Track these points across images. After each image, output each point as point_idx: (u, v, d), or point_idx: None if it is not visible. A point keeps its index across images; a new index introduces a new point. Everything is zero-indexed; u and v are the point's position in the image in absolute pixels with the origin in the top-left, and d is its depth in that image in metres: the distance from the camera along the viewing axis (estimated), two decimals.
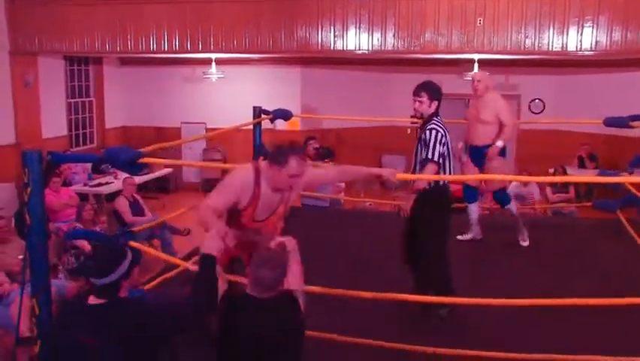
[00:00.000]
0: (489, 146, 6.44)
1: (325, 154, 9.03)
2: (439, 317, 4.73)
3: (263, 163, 3.69)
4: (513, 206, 6.87)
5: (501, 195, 6.83)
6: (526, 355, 3.92)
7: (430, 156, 4.66)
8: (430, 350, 4.04)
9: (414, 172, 4.95)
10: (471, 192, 6.86)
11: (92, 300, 2.87)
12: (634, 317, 4.44)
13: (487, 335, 4.38)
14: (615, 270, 5.73)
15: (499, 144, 6.42)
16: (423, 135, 4.75)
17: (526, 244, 6.76)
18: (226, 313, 3.03)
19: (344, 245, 6.52)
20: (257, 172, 3.65)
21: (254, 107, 7.39)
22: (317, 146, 9.24)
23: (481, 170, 6.56)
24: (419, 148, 4.83)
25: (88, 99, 13.16)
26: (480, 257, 6.37)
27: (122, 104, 13.94)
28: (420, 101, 4.77)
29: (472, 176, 6.62)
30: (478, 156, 6.56)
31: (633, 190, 7.04)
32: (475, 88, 6.52)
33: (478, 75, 6.68)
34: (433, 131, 4.69)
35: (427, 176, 4.67)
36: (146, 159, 3.89)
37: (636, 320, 4.48)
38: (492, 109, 6.42)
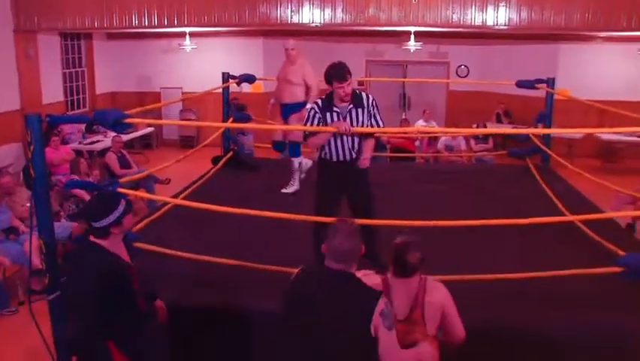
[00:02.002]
0: (296, 104, 6.23)
1: (239, 108, 9.02)
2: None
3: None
4: (297, 161, 6.41)
5: (293, 147, 6.39)
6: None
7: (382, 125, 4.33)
8: None
9: (358, 143, 4.24)
10: (282, 146, 6.75)
11: (92, 238, 2.91)
12: (534, 237, 4.64)
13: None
14: (521, 202, 5.90)
15: (309, 106, 6.27)
16: (370, 111, 4.21)
17: (286, 190, 6.35)
18: (298, 284, 2.73)
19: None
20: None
21: (223, 73, 7.40)
22: (236, 102, 9.27)
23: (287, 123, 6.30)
24: (362, 119, 4.19)
25: (80, 69, 12.91)
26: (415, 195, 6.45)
27: (110, 73, 13.69)
28: (349, 84, 4.09)
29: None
30: (288, 111, 6.29)
31: (537, 141, 7.28)
32: (289, 54, 6.23)
33: (292, 43, 6.26)
34: (375, 101, 4.27)
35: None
36: (130, 119, 3.90)
37: (533, 239, 4.67)
38: (301, 73, 6.24)
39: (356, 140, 4.24)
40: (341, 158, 4.25)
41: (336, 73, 4.10)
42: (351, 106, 4.18)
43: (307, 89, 6.27)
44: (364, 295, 2.63)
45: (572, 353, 3.44)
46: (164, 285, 3.73)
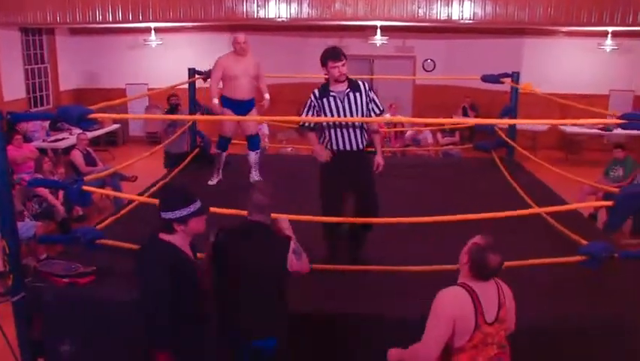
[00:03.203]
0: (252, 99, 6.24)
1: (174, 106, 8.89)
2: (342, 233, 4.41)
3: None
4: (254, 155, 6.42)
5: (253, 140, 6.42)
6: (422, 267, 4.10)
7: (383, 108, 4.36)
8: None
9: (355, 130, 4.18)
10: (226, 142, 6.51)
11: (160, 235, 2.83)
12: (499, 228, 4.69)
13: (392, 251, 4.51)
14: (487, 194, 5.96)
15: (268, 96, 6.32)
16: (369, 95, 4.21)
17: (212, 182, 6.42)
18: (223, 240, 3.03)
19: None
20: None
21: (189, 69, 7.34)
22: (173, 101, 9.02)
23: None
24: (359, 104, 4.18)
25: (43, 65, 12.64)
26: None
27: (74, 70, 13.44)
28: (344, 64, 4.10)
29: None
30: (245, 108, 6.19)
31: (502, 134, 7.38)
32: (243, 48, 6.07)
33: (243, 37, 6.10)
34: (372, 88, 4.29)
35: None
36: (94, 115, 3.84)
37: (498, 230, 4.72)
38: (254, 66, 6.15)
39: (357, 131, 4.19)
40: (341, 148, 4.21)
41: (331, 53, 4.12)
42: (349, 90, 4.16)
43: (259, 81, 6.27)
44: (279, 241, 3.08)
45: (534, 341, 3.49)
46: (132, 282, 3.69)
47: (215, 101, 6.11)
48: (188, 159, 7.17)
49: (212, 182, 6.45)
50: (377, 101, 4.29)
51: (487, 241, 2.64)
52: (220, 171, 6.53)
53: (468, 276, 2.66)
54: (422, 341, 2.61)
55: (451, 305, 2.59)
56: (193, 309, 2.85)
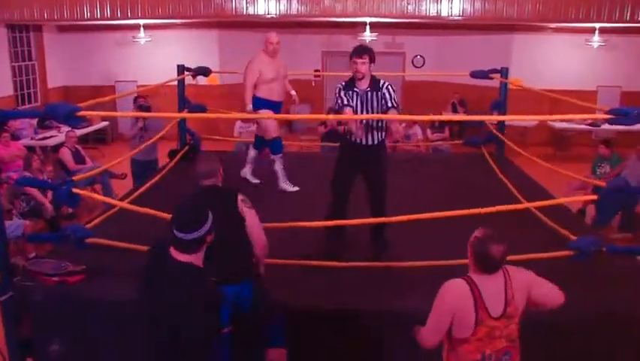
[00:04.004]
0: (282, 101, 6.00)
1: (144, 108, 8.10)
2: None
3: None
4: (279, 161, 6.06)
5: (275, 143, 6.05)
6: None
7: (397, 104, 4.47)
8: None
9: (372, 127, 4.38)
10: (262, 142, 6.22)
11: (179, 256, 2.57)
12: (489, 223, 4.71)
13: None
14: (477, 189, 5.97)
15: (294, 92, 6.23)
16: (386, 93, 4.35)
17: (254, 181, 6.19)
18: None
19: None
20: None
21: (178, 66, 7.28)
22: (141, 102, 8.42)
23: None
24: (376, 104, 4.35)
25: (30, 63, 12.56)
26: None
27: (63, 67, 13.36)
28: (363, 63, 4.27)
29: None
30: (280, 109, 6.00)
31: (492, 130, 7.39)
32: (276, 49, 5.84)
33: (276, 37, 5.84)
34: (391, 87, 4.42)
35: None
36: (83, 112, 3.80)
37: (488, 225, 4.72)
38: (284, 67, 6.00)
39: (374, 127, 4.40)
40: (357, 141, 4.43)
41: (356, 49, 4.34)
42: (369, 89, 4.36)
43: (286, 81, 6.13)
44: (228, 193, 3.36)
45: (525, 335, 3.51)
46: (122, 281, 3.67)
47: (250, 107, 5.79)
48: (178, 156, 7.13)
49: (255, 181, 6.19)
50: (395, 97, 4.42)
51: (486, 232, 2.64)
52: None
53: (474, 270, 2.67)
54: (425, 325, 2.70)
55: (449, 298, 2.63)
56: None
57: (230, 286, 3.11)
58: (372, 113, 4.36)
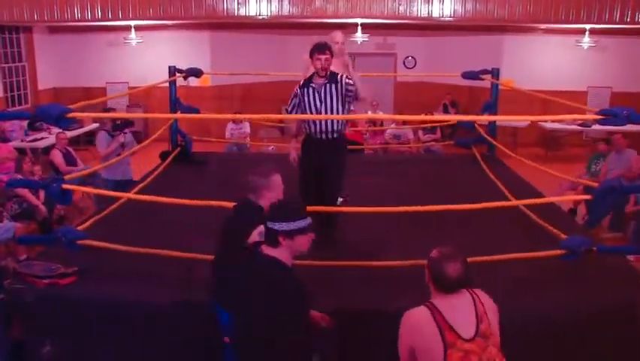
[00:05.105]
0: None
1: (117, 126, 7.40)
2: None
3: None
4: None
5: None
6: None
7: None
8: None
9: (332, 122, 4.49)
10: None
11: (268, 251, 2.66)
12: (480, 223, 4.74)
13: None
14: (468, 190, 5.98)
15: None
16: (346, 87, 4.45)
17: None
18: None
19: None
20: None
21: (169, 67, 7.27)
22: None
23: None
24: (335, 96, 4.45)
25: (21, 64, 12.46)
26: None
27: (53, 68, 13.25)
28: (327, 58, 4.35)
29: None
30: None
31: (482, 131, 7.43)
32: (342, 50, 5.36)
33: (343, 36, 5.37)
34: (348, 78, 4.49)
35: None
36: (74, 114, 3.79)
37: (480, 225, 4.77)
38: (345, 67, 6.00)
39: (330, 123, 4.50)
40: (317, 136, 4.57)
41: (318, 46, 4.41)
42: (327, 82, 4.46)
43: None
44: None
45: (515, 335, 3.53)
46: (114, 283, 3.66)
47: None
48: (170, 158, 7.12)
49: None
50: (351, 81, 4.49)
51: (442, 251, 2.53)
52: None
53: (435, 292, 2.53)
54: None
55: (404, 331, 2.51)
56: None
57: None
58: (331, 105, 4.48)
